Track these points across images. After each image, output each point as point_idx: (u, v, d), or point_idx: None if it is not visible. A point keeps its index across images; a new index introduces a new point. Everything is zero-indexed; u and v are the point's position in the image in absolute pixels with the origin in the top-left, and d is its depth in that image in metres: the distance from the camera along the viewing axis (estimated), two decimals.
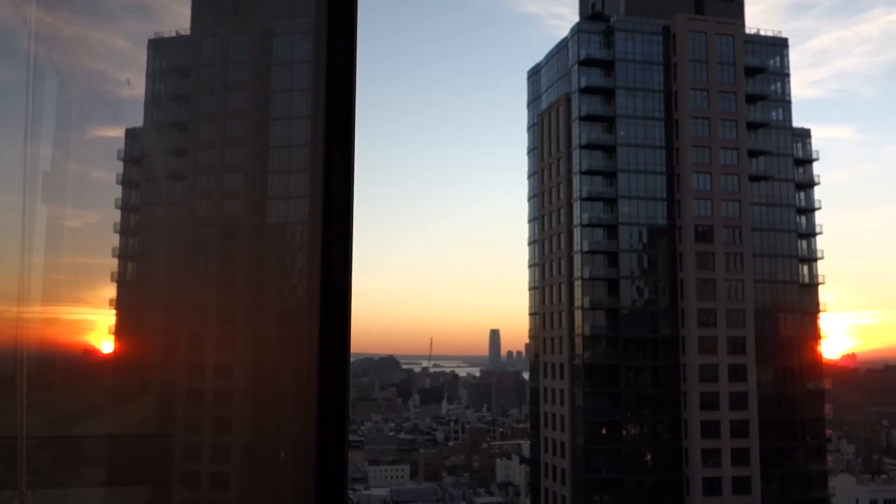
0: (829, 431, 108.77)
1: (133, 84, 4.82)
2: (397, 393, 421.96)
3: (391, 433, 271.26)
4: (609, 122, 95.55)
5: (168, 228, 5.67)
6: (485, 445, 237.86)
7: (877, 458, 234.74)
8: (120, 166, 5.15)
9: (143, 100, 5.08)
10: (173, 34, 4.99)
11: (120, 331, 5.03)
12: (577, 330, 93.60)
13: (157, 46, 4.98)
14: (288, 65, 5.00)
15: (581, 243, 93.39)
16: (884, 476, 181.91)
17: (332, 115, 3.01)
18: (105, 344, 4.91)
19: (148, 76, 5.02)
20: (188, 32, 5.09)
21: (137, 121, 5.13)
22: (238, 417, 5.28)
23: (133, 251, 5.39)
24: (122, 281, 5.24)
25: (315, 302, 2.95)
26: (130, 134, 5.12)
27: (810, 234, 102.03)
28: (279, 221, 5.26)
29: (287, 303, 4.75)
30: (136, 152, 5.29)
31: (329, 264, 2.97)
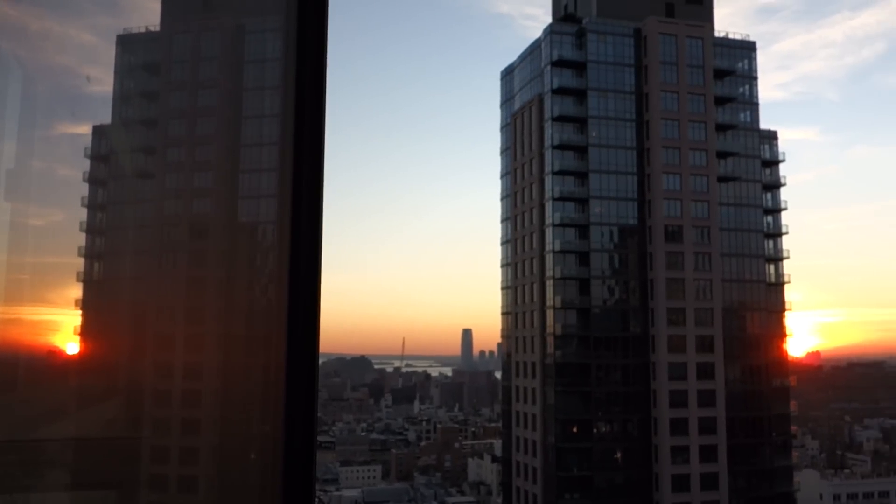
0: (794, 428, 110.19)
1: (93, 80, 4.75)
2: (369, 393, 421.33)
3: (363, 433, 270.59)
4: (581, 122, 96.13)
5: (136, 227, 5.60)
6: (457, 445, 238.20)
7: (840, 453, 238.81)
8: (86, 164, 5.08)
9: (111, 96, 5.02)
10: (143, 30, 4.93)
11: (86, 331, 4.96)
12: (549, 329, 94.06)
13: (126, 42, 4.92)
14: (260, 62, 4.96)
15: (553, 243, 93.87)
16: (847, 471, 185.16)
17: (302, 114, 2.99)
18: (70, 345, 4.84)
19: (116, 72, 4.96)
20: (158, 29, 5.04)
21: (105, 117, 5.06)
22: (207, 419, 5.23)
23: (100, 250, 5.31)
24: (88, 280, 5.17)
25: (283, 301, 2.93)
26: (98, 131, 5.05)
27: (776, 234, 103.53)
28: (250, 220, 5.21)
29: (258, 303, 4.72)
30: (103, 150, 5.23)
31: (298, 263, 2.95)
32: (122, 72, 5.07)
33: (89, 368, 5.05)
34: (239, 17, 5.19)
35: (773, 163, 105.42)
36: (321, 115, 3.02)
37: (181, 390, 5.02)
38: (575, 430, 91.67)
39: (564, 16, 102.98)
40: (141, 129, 5.56)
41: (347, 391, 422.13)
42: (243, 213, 5.10)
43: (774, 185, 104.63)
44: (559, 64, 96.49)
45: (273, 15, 4.05)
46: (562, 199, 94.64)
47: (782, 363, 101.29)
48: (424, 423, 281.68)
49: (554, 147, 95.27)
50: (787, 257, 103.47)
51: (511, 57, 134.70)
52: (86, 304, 5.04)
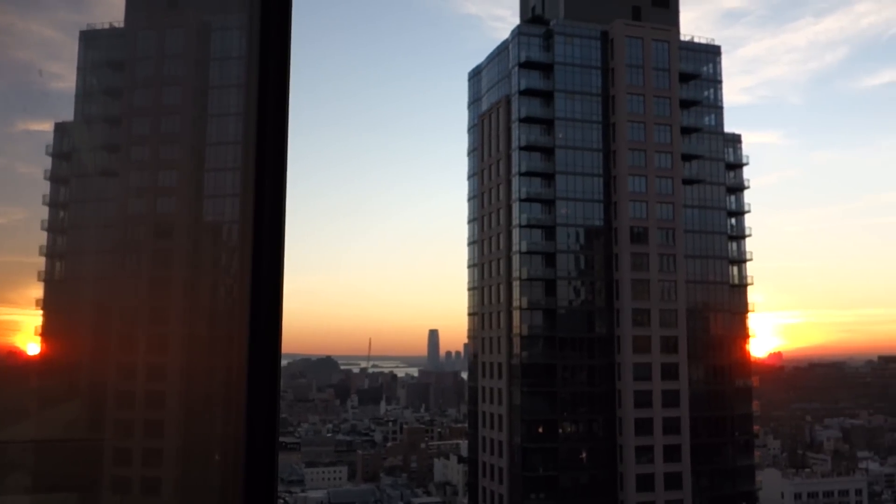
0: (756, 427, 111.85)
1: (56, 76, 4.69)
2: (335, 394, 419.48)
3: (329, 434, 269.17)
4: (548, 124, 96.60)
5: (99, 226, 5.54)
6: (423, 446, 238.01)
7: (801, 452, 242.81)
8: (48, 161, 5.02)
9: (73, 93, 4.96)
10: (106, 26, 4.87)
11: (47, 332, 4.90)
12: (515, 330, 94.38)
13: (90, 38, 4.86)
14: (226, 60, 4.92)
15: (519, 244, 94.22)
16: (807, 470, 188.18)
17: (265, 113, 2.98)
18: (31, 345, 4.77)
19: (79, 69, 4.90)
20: (122, 25, 4.98)
21: (68, 114, 5.00)
22: (170, 420, 5.18)
23: (62, 249, 5.25)
24: (49, 280, 5.11)
25: (245, 302, 2.91)
26: (60, 128, 4.98)
27: (740, 236, 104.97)
28: (215, 220, 5.16)
29: (222, 303, 4.69)
30: (65, 147, 5.16)
31: (260, 264, 2.94)
32: (86, 68, 5.01)
33: (50, 369, 4.98)
34: (204, 15, 5.15)
35: (737, 166, 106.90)
36: (284, 115, 3.01)
37: (144, 391, 4.97)
38: (541, 430, 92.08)
39: (532, 18, 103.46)
40: (104, 127, 5.49)
41: (313, 392, 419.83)
42: (208, 213, 5.06)
43: (738, 188, 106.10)
44: (527, 65, 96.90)
45: (238, 13, 4.03)
46: (528, 200, 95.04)
47: (745, 364, 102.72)
48: (391, 423, 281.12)
49: (521, 148, 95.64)
50: (751, 259, 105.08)
51: (479, 58, 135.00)
52: (47, 304, 4.98)
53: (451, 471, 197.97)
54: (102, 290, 5.24)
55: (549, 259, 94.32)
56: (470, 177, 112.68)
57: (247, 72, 3.13)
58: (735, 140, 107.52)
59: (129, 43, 5.35)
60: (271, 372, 2.94)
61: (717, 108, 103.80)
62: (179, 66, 5.56)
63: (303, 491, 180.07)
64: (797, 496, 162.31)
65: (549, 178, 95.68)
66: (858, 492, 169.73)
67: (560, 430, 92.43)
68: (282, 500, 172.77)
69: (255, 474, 2.93)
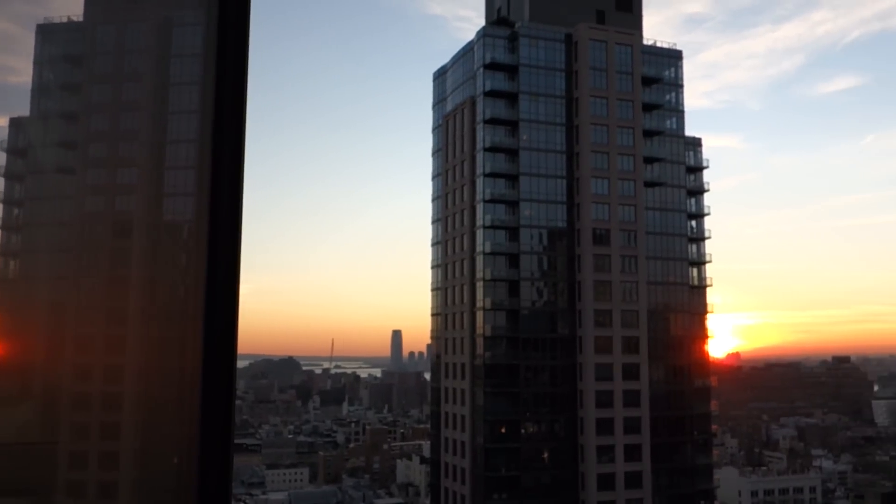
0: (714, 427, 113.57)
1: (11, 70, 4.60)
2: (297, 395, 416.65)
3: (290, 436, 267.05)
4: (512, 125, 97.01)
5: (55, 224, 5.44)
6: (386, 447, 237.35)
7: (758, 451, 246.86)
8: (3, 157, 4.93)
9: (29, 88, 4.87)
10: (64, 20, 4.79)
11: (0, 332, 4.81)
12: (479, 330, 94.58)
13: (47, 32, 4.77)
14: (187, 56, 4.86)
15: (483, 245, 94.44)
16: (764, 468, 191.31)
17: (221, 111, 2.93)
18: None
19: (36, 63, 4.81)
20: (81, 18, 4.90)
21: (23, 110, 4.91)
22: (127, 422, 5.10)
23: (16, 248, 5.15)
24: (2, 279, 5.02)
25: (200, 302, 2.87)
26: (15, 123, 4.89)
27: (700, 238, 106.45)
28: (175, 219, 5.10)
29: (182, 303, 4.63)
30: (21, 143, 5.06)
31: (216, 263, 2.90)
32: (42, 62, 4.91)
33: (3, 370, 4.88)
34: (165, 10, 5.08)
35: (698, 169, 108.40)
36: (242, 113, 2.98)
37: (100, 393, 4.89)
38: (503, 430, 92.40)
39: (497, 19, 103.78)
40: (61, 123, 5.39)
41: (275, 393, 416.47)
42: (168, 212, 4.99)
43: (698, 191, 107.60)
44: (491, 67, 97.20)
45: (197, 9, 3.98)
46: (492, 201, 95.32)
47: (704, 364, 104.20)
48: (353, 424, 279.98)
49: (485, 149, 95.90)
50: (710, 261, 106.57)
51: (444, 58, 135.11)
52: (1, 304, 4.89)
53: (413, 472, 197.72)
54: (58, 289, 5.15)
55: (513, 260, 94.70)
56: (434, 177, 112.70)
57: (203, 69, 3.09)
58: (696, 143, 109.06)
59: (87, 37, 5.26)
60: (227, 372, 2.90)
61: (678, 111, 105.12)
62: (139, 61, 5.48)
63: (263, 493, 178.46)
64: (754, 494, 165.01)
65: (513, 179, 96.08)
66: (812, 489, 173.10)
67: (522, 431, 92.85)
68: (242, 503, 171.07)
69: (210, 476, 2.89)
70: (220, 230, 2.94)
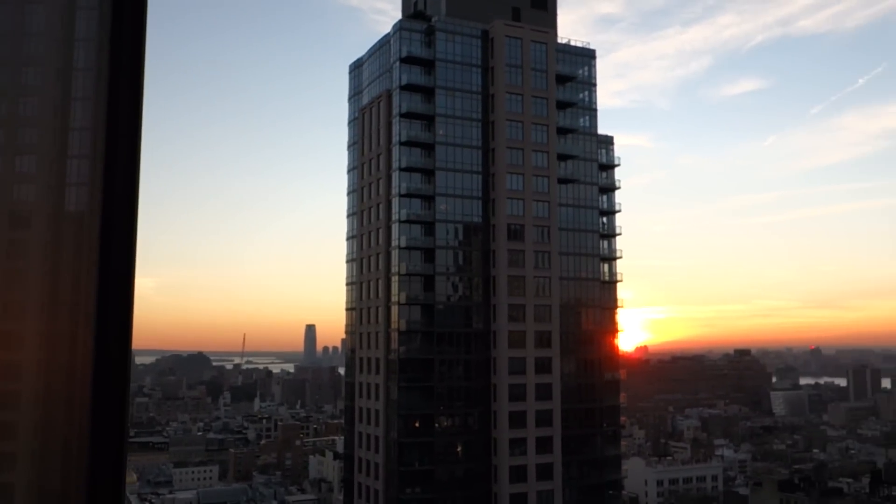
0: (623, 419, 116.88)
1: None
2: (207, 391, 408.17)
3: (199, 433, 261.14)
4: (429, 120, 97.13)
5: None
6: (298, 443, 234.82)
7: (663, 441, 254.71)
8: None
9: None
10: None
11: None
12: (394, 325, 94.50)
13: None
14: (92, 41, 4.65)
15: (399, 239, 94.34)
16: (669, 458, 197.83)
17: (116, 99, 2.83)
18: None
19: None
20: None
21: None
22: (24, 421, 4.86)
23: None
24: None
25: (92, 296, 2.77)
26: None
27: (611, 234, 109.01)
28: (77, 209, 4.87)
29: (80, 296, 4.42)
30: None
31: (109, 256, 2.80)
32: None
33: None
34: None
35: (610, 167, 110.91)
36: (139, 100, 2.88)
37: None
38: (417, 425, 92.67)
39: (414, 13, 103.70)
40: None
41: (183, 389, 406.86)
42: (70, 202, 4.78)
43: (610, 188, 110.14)
44: (408, 60, 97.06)
45: None
46: (408, 195, 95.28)
47: (614, 357, 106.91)
48: (265, 421, 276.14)
49: (401, 143, 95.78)
50: (620, 257, 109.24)
51: (360, 51, 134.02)
52: None
53: (326, 467, 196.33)
54: None
55: (429, 255, 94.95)
56: (350, 170, 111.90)
57: (97, 55, 2.97)
58: (608, 142, 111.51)
59: None
60: (121, 368, 2.81)
61: (591, 110, 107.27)
62: (40, 44, 5.22)
63: (171, 492, 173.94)
64: (659, 483, 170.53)
65: (429, 174, 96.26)
66: (714, 478, 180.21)
67: (436, 425, 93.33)
68: (148, 503, 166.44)
69: (101, 476, 2.78)
70: (115, 222, 2.84)
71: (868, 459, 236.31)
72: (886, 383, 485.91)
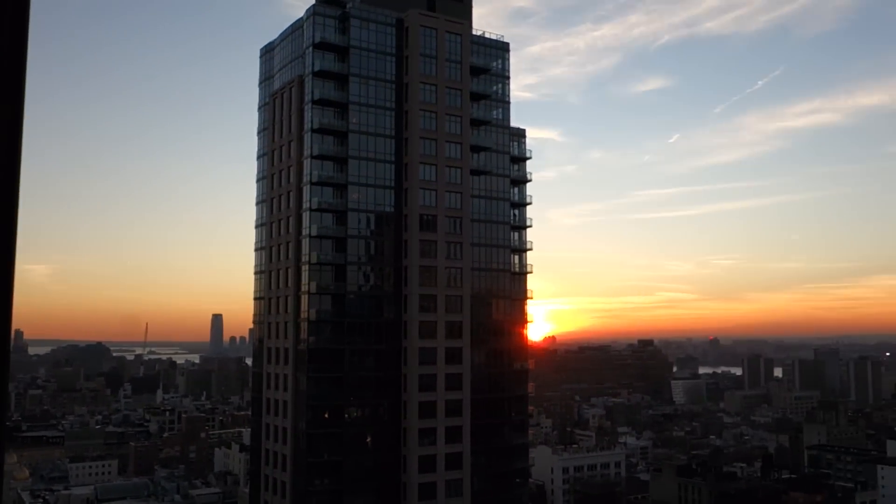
0: (531, 408, 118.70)
1: None
2: (106, 382, 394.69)
3: (98, 426, 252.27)
4: (342, 107, 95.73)
5: None
6: (203, 435, 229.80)
7: (570, 429, 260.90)
8: None
9: None
10: None
11: None
12: (303, 315, 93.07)
13: None
14: None
15: (309, 228, 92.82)
16: (575, 446, 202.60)
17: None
18: None
19: None
20: None
21: None
22: None
23: None
24: None
25: None
26: None
27: (522, 226, 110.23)
28: None
29: None
30: None
31: None
32: None
33: None
34: None
35: (521, 159, 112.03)
36: (21, 84, 2.43)
37: None
38: (327, 415, 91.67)
39: None
40: None
41: (81, 381, 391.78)
42: None
43: (521, 181, 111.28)
44: (321, 46, 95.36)
45: None
46: (320, 183, 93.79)
47: (522, 348, 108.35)
48: (168, 413, 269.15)
49: (313, 130, 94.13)
50: (530, 249, 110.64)
51: (272, 34, 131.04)
52: None
53: (232, 460, 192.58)
54: None
55: (340, 244, 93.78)
56: (260, 157, 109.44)
57: None
58: (520, 135, 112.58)
59: None
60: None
61: (504, 102, 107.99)
62: None
63: (66, 488, 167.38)
64: (565, 471, 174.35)
65: (341, 162, 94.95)
66: (618, 464, 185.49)
67: (346, 415, 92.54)
68: (41, 500, 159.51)
69: None
70: None
71: (760, 444, 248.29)
72: (778, 372, 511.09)
